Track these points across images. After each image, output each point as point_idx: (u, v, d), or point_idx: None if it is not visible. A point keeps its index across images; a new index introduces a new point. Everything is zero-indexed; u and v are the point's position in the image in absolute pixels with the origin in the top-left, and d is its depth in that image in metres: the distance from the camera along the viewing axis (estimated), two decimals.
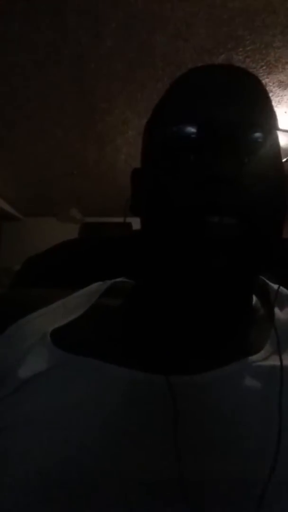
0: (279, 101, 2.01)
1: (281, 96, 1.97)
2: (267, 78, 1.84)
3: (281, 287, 0.42)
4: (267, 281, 0.43)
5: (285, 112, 2.10)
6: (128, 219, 2.13)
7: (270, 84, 1.88)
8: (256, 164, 0.33)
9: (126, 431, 0.29)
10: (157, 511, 0.26)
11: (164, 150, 0.35)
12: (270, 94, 2.09)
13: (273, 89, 1.92)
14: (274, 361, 0.32)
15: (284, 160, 0.36)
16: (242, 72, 0.38)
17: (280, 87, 1.90)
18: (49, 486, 0.26)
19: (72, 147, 2.63)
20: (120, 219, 2.30)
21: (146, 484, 0.26)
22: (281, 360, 0.32)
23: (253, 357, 0.33)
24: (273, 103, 0.37)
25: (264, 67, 1.77)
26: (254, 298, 0.40)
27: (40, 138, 2.51)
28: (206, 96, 0.35)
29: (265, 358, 0.33)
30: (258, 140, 0.34)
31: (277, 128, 0.35)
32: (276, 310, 0.39)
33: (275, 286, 0.41)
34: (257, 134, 0.34)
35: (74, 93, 2.01)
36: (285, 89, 1.91)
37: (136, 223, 0.42)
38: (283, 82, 1.86)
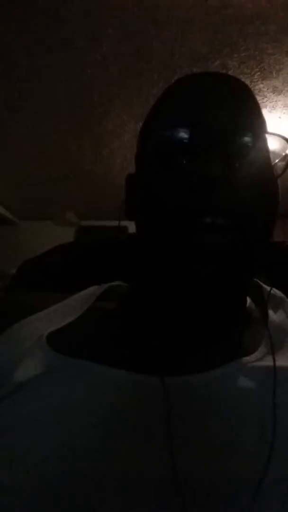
0: (273, 107, 2.03)
1: (275, 101, 1.99)
2: (262, 83, 1.86)
3: (274, 289, 0.42)
4: (262, 284, 0.44)
5: (279, 118, 2.13)
6: (125, 223, 2.12)
7: (265, 89, 1.90)
8: (246, 168, 0.34)
9: (121, 432, 0.29)
10: (152, 511, 0.26)
11: (157, 154, 0.36)
12: (265, 100, 2.10)
13: (268, 95, 1.94)
14: (268, 362, 0.33)
15: (273, 163, 0.37)
16: (231, 79, 0.39)
17: (274, 93, 1.93)
18: (46, 487, 0.27)
19: (68, 150, 2.63)
20: (116, 223, 2.30)
21: (141, 485, 0.26)
22: (274, 360, 0.32)
23: (247, 358, 0.33)
24: (268, 109, 0.38)
25: (258, 73, 1.79)
26: (248, 300, 0.41)
27: (36, 142, 2.51)
28: (197, 102, 0.36)
29: (259, 359, 0.33)
30: (248, 144, 0.34)
31: (266, 132, 0.36)
32: (270, 312, 0.39)
33: (269, 289, 0.42)
34: (247, 138, 0.34)
35: (71, 97, 2.02)
36: (279, 94, 1.94)
37: (132, 226, 0.43)
38: (277, 87, 1.89)
